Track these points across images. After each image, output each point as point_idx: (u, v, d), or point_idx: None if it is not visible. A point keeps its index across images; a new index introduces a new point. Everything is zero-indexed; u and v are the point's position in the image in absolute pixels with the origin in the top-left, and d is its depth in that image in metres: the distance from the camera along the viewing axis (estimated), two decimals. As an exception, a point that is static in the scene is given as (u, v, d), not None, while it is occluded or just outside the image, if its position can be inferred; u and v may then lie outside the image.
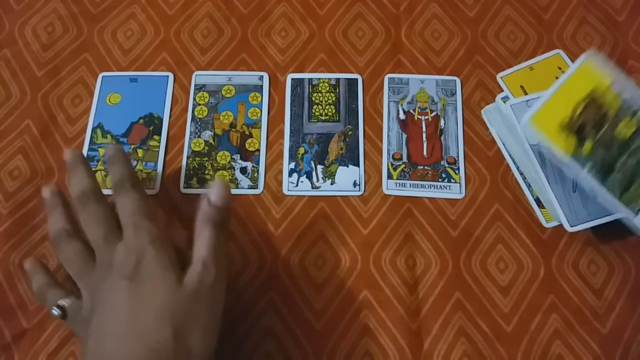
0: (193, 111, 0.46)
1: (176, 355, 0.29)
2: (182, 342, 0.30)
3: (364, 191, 0.43)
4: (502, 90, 0.43)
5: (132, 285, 0.31)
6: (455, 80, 0.47)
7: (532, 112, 0.35)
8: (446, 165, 0.44)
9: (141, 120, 0.45)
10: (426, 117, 0.45)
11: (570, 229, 0.38)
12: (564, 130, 0.34)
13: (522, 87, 0.43)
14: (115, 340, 0.30)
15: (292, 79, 0.47)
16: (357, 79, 0.47)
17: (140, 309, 0.30)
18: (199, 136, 0.45)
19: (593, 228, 0.39)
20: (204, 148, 0.45)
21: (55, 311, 0.34)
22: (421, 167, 0.44)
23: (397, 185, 0.43)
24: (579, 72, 0.35)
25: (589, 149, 0.34)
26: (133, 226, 0.33)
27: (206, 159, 0.44)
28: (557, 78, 0.43)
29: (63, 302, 0.34)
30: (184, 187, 0.43)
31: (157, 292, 0.31)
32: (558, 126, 0.34)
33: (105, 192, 0.38)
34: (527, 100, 0.41)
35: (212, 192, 0.34)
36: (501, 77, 0.44)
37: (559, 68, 0.43)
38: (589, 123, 0.34)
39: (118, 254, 0.32)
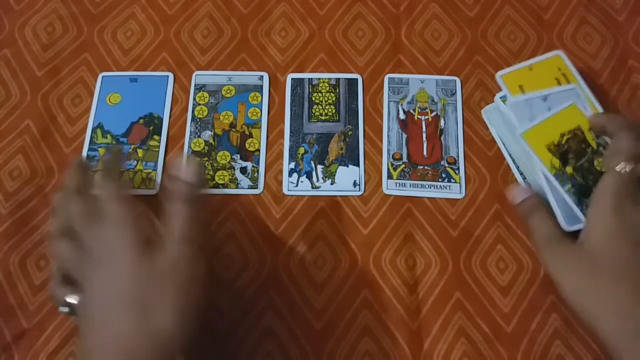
0: (193, 111, 0.46)
1: (141, 338, 0.29)
2: (149, 322, 0.29)
3: (364, 191, 0.43)
4: (502, 90, 0.43)
5: (101, 272, 0.31)
6: (455, 80, 0.47)
7: (524, 128, 0.40)
8: (446, 165, 0.44)
9: (141, 120, 0.45)
10: (426, 117, 0.45)
11: (567, 228, 0.38)
12: (550, 151, 0.39)
13: (520, 86, 0.43)
14: (91, 331, 0.30)
15: (292, 79, 0.47)
16: (357, 79, 0.47)
17: (108, 295, 0.30)
18: (199, 136, 0.45)
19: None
20: (204, 148, 0.45)
21: (63, 308, 0.34)
22: (421, 167, 0.44)
23: (397, 185, 0.43)
24: (569, 109, 0.41)
25: (570, 172, 0.39)
26: (107, 214, 0.33)
27: (206, 159, 0.44)
28: (556, 79, 0.43)
29: (70, 298, 0.34)
30: (184, 187, 0.43)
31: (123, 275, 0.31)
32: (545, 146, 0.39)
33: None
34: (527, 100, 0.41)
35: (179, 169, 0.34)
36: (500, 76, 0.44)
37: (559, 69, 0.43)
38: (571, 151, 0.39)
39: (94, 245, 0.32)
